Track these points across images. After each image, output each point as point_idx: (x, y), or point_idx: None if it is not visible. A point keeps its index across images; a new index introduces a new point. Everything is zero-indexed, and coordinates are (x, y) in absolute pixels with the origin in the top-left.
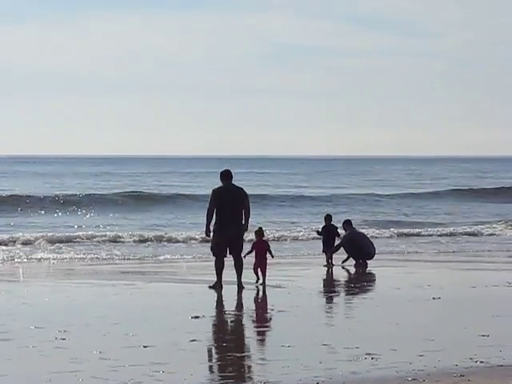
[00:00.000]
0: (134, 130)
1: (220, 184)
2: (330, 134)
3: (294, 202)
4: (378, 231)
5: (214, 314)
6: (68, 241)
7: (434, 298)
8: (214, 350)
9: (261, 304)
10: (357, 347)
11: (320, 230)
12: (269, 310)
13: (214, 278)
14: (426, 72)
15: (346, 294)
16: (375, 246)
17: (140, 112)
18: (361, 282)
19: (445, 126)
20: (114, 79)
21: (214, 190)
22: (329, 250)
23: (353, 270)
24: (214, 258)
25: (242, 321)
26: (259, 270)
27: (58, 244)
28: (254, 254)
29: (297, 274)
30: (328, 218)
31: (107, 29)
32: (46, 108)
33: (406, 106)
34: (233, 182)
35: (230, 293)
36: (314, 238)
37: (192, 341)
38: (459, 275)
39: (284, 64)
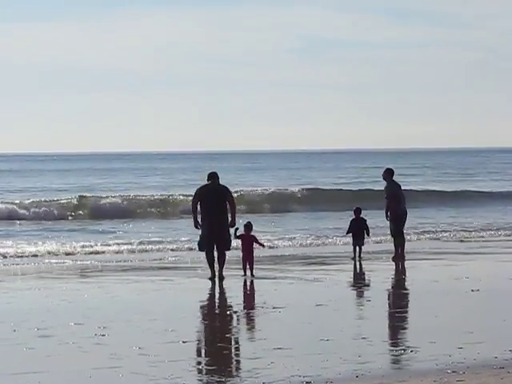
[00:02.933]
0: (161, 125)
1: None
2: (360, 127)
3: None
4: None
5: (251, 308)
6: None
7: (472, 291)
8: (251, 345)
9: (298, 298)
10: (396, 340)
11: (348, 228)
12: (306, 304)
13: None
14: (459, 63)
15: (384, 288)
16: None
17: (168, 107)
18: (398, 274)
19: (478, 118)
20: (140, 75)
21: (197, 189)
22: (357, 243)
23: (390, 264)
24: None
25: (279, 315)
26: (247, 264)
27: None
28: (241, 246)
29: (334, 268)
30: (358, 210)
31: (133, 24)
32: (72, 104)
33: (437, 98)
34: (220, 183)
35: (266, 287)
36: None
37: (231, 336)
38: (498, 267)
39: (313, 58)
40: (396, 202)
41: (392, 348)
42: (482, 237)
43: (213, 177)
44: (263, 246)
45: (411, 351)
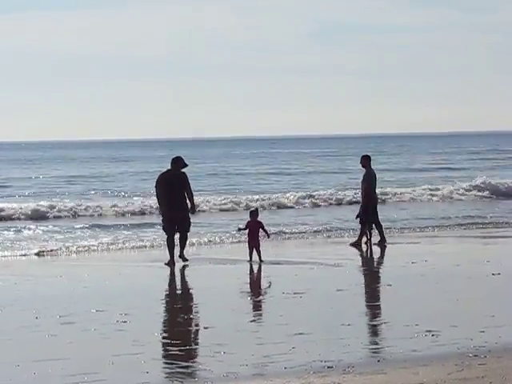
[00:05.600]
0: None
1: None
2: (379, 112)
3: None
4: None
5: (273, 294)
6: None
7: (493, 274)
8: (273, 330)
9: (319, 283)
10: (417, 324)
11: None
12: (327, 289)
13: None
14: (480, 46)
15: (405, 272)
16: None
17: (182, 93)
18: (419, 258)
19: (499, 101)
20: (154, 61)
21: (159, 175)
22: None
23: (410, 248)
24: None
25: (300, 300)
26: (254, 249)
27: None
28: (247, 232)
29: (355, 253)
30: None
31: (147, 12)
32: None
33: (458, 81)
34: (182, 168)
35: (287, 272)
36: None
37: (252, 321)
38: None
39: (332, 43)
40: (373, 189)
41: (413, 332)
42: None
43: (176, 162)
44: (268, 235)
45: (432, 335)
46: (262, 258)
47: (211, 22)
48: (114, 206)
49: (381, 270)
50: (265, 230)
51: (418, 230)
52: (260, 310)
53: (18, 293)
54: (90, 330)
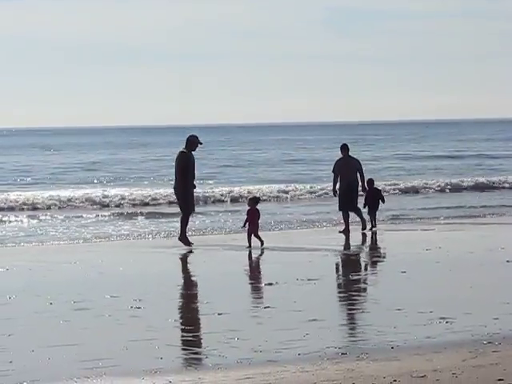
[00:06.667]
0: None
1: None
2: (398, 99)
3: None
4: None
5: (287, 280)
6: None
7: (507, 261)
8: (287, 317)
9: (333, 270)
10: (431, 311)
11: (364, 200)
12: (342, 276)
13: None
14: (494, 33)
15: (419, 259)
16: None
17: (203, 80)
18: (433, 245)
19: None
20: (166, 49)
21: (185, 156)
22: (373, 213)
23: (424, 235)
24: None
25: (313, 287)
26: (253, 235)
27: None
28: (247, 219)
29: (368, 239)
30: (370, 181)
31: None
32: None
33: (474, 68)
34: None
35: (301, 259)
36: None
37: (266, 307)
38: None
39: (347, 29)
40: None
41: (427, 319)
42: None
43: (193, 142)
44: (258, 225)
45: (446, 322)
46: (272, 245)
47: (218, 9)
48: (132, 195)
49: (395, 257)
50: (258, 219)
51: (434, 218)
52: (274, 297)
53: (32, 279)
54: (104, 316)
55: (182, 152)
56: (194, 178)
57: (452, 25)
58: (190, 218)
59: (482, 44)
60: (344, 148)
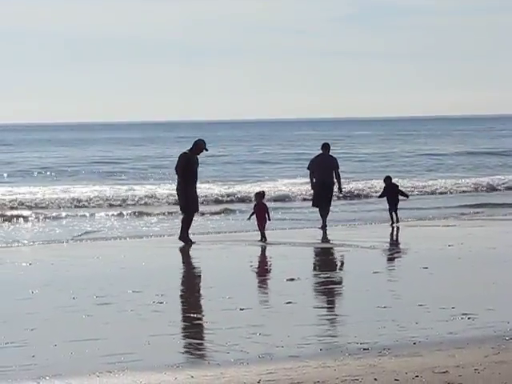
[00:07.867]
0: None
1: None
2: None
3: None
4: None
5: (309, 276)
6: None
7: None
8: (309, 312)
9: (354, 265)
10: (453, 307)
11: (381, 193)
12: (363, 272)
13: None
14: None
15: (440, 255)
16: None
17: (222, 76)
18: (456, 241)
19: None
20: (190, 45)
21: (185, 157)
22: (393, 208)
23: (446, 231)
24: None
25: (335, 282)
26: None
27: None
28: (255, 214)
29: (390, 235)
30: (387, 178)
31: None
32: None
33: (498, 65)
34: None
35: (323, 255)
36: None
37: (288, 303)
38: None
39: (367, 25)
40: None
41: (449, 315)
42: None
43: (199, 146)
44: (269, 219)
45: (469, 318)
46: (293, 241)
47: (241, 5)
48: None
49: (417, 253)
50: (268, 214)
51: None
52: (295, 292)
53: (55, 273)
54: (127, 311)
55: (183, 153)
56: (195, 180)
57: (480, 21)
58: (194, 218)
59: (500, 40)
60: (325, 146)
